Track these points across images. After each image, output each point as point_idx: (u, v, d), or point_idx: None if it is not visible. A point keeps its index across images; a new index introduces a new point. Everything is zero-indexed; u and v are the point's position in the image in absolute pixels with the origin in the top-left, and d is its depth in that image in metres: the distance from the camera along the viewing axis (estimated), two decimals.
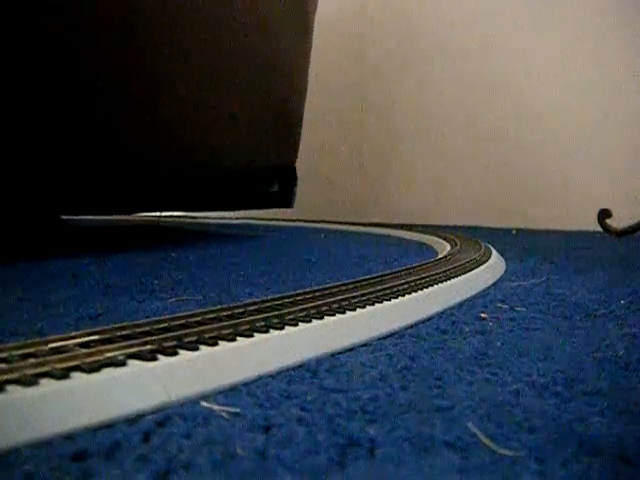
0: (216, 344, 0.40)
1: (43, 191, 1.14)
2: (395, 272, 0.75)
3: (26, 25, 0.97)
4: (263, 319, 0.47)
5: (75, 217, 1.97)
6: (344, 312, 0.52)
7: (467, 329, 0.56)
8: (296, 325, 0.47)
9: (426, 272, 0.76)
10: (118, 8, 1.09)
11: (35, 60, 1.00)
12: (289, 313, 0.49)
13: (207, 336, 0.41)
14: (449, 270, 0.79)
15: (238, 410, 0.34)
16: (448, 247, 1.18)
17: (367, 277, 0.70)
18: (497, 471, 0.27)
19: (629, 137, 2.17)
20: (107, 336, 0.40)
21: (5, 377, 0.31)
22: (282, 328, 0.45)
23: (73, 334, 0.40)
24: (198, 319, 0.46)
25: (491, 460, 0.28)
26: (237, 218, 2.61)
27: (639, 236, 1.84)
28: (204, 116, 1.36)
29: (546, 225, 2.26)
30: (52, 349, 0.37)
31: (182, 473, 0.26)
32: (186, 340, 0.40)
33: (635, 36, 2.14)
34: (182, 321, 0.45)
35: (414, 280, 0.68)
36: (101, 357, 0.36)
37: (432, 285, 0.67)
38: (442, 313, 0.63)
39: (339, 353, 0.47)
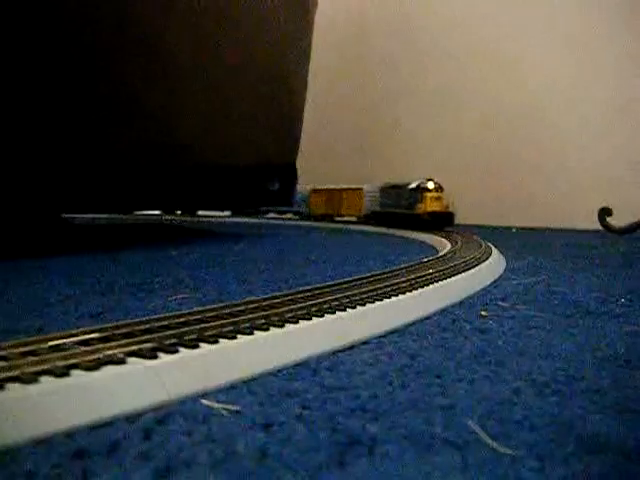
0: (216, 342, 0.40)
1: (44, 189, 1.14)
2: (395, 270, 0.75)
3: (30, 29, 0.97)
4: (263, 317, 0.47)
5: (76, 215, 1.97)
6: (345, 310, 0.52)
7: (467, 327, 0.56)
8: (296, 323, 0.47)
9: (426, 270, 0.76)
10: (120, 12, 1.09)
11: (36, 61, 1.00)
12: (289, 311, 0.49)
13: (207, 334, 0.41)
14: (449, 268, 0.79)
15: (238, 408, 0.34)
16: (448, 245, 1.18)
17: (367, 275, 0.70)
18: (497, 469, 0.27)
19: (629, 136, 2.17)
20: (107, 334, 0.40)
21: (5, 375, 0.31)
22: (282, 326, 0.45)
23: (73, 332, 0.40)
24: (198, 317, 0.46)
25: (491, 458, 0.28)
26: (238, 217, 2.61)
27: (639, 235, 1.84)
28: (205, 115, 1.36)
29: (546, 223, 2.26)
30: (52, 347, 0.37)
31: (182, 471, 0.26)
32: (186, 338, 0.40)
33: (637, 35, 2.14)
34: (182, 319, 0.45)
35: (414, 278, 0.68)
36: (101, 355, 0.35)
37: (432, 283, 0.67)
38: (442, 311, 0.63)
39: (340, 351, 0.47)
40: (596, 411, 0.34)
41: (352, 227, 2.12)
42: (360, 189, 2.10)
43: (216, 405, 0.34)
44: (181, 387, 0.35)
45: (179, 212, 2.67)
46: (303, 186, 2.29)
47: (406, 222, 1.77)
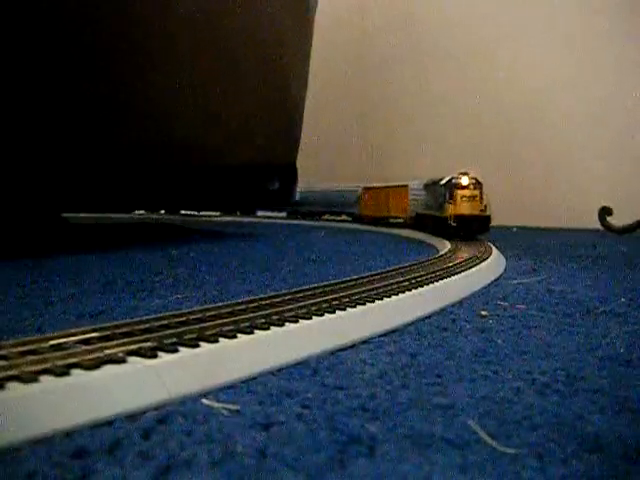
0: (216, 341, 0.40)
1: (44, 189, 1.14)
2: (395, 269, 0.75)
3: (30, 29, 0.97)
4: (263, 316, 0.46)
5: (76, 214, 1.97)
6: (344, 309, 0.52)
7: (468, 327, 0.56)
8: (296, 322, 0.47)
9: (426, 269, 0.76)
10: (120, 12, 1.10)
11: (35, 61, 1.00)
12: (289, 310, 0.49)
13: (207, 333, 0.41)
14: (449, 267, 0.79)
15: (238, 407, 0.34)
16: (448, 245, 1.18)
17: (367, 274, 0.70)
18: (498, 468, 0.27)
19: (630, 135, 2.17)
20: (107, 333, 0.40)
21: (5, 374, 0.31)
22: (282, 325, 0.45)
23: (73, 331, 0.40)
24: (198, 316, 0.46)
25: (492, 457, 0.28)
26: (237, 215, 2.61)
27: (639, 235, 1.84)
28: (204, 115, 1.36)
29: (546, 223, 2.26)
30: (52, 346, 0.37)
31: (182, 471, 0.26)
32: (186, 337, 0.40)
33: (636, 35, 2.14)
34: (182, 318, 0.45)
35: (414, 277, 0.68)
36: (101, 354, 0.35)
37: (432, 282, 0.67)
38: (442, 310, 0.63)
39: (340, 350, 0.46)
40: (596, 410, 0.34)
41: (352, 226, 2.12)
42: (405, 186, 1.74)
43: (216, 405, 0.34)
44: (181, 386, 0.35)
45: (238, 212, 2.56)
46: (356, 185, 2.18)
47: (435, 227, 1.40)
